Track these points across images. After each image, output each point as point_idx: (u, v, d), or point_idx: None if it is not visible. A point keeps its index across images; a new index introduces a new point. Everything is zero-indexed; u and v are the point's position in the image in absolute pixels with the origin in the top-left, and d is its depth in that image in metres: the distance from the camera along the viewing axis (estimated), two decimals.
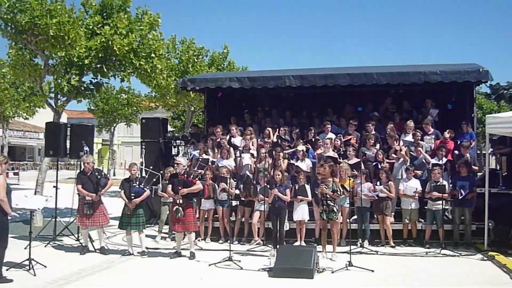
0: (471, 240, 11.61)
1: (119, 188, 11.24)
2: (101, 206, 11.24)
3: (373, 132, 13.37)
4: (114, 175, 40.61)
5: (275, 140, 13.92)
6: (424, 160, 12.42)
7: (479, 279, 9.00)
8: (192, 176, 10.73)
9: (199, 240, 12.10)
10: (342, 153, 12.88)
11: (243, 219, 12.33)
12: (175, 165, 10.87)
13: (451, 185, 11.73)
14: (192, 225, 10.65)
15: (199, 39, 31.28)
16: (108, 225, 11.89)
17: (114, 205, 13.06)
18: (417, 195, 11.75)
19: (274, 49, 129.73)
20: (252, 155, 13.27)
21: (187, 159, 11.94)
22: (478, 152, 14.63)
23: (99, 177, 11.31)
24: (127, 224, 10.89)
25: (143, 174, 13.04)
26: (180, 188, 10.43)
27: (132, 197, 10.82)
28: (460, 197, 11.47)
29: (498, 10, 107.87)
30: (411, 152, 12.64)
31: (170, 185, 10.73)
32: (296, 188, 11.46)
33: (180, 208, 10.42)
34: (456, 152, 12.70)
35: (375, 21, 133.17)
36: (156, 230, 13.36)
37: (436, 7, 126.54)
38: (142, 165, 12.82)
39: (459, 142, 12.78)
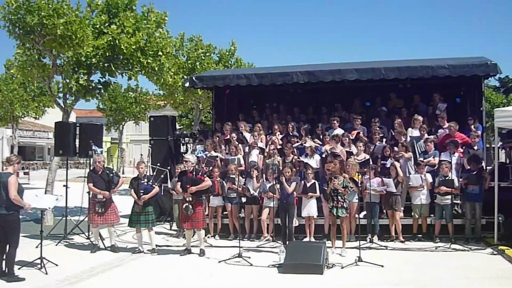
0: (481, 235, 11.58)
1: (129, 187, 11.30)
2: (112, 205, 11.33)
3: (378, 129, 13.34)
4: (123, 173, 40.75)
5: (283, 136, 13.91)
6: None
7: (489, 274, 8.97)
8: (200, 173, 10.76)
9: (208, 237, 12.13)
10: (346, 146, 12.83)
11: (251, 216, 12.36)
12: (184, 162, 10.92)
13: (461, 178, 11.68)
14: (201, 223, 10.69)
15: (204, 35, 31.35)
16: (118, 223, 11.95)
17: (122, 204, 13.12)
18: (425, 187, 11.70)
19: (280, 45, 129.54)
20: (260, 151, 13.29)
21: (196, 156, 11.97)
22: (488, 145, 14.55)
23: (111, 175, 11.38)
24: (137, 221, 10.94)
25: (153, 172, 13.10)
26: (188, 186, 10.48)
27: (141, 194, 10.88)
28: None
29: (506, 2, 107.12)
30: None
31: (179, 183, 10.78)
32: (307, 185, 11.45)
33: (190, 205, 10.47)
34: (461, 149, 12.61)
35: (382, 15, 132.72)
36: (166, 228, 13.45)
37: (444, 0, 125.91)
38: (148, 163, 12.85)
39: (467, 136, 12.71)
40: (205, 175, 10.90)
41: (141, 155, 54.08)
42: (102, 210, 11.08)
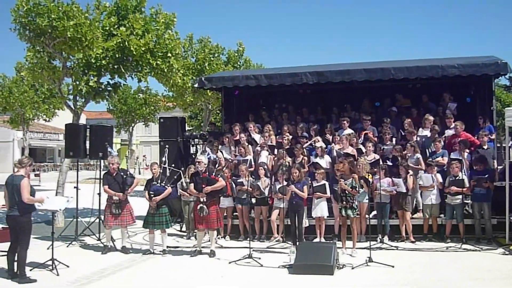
0: (492, 235, 11.49)
1: (144, 189, 11.37)
2: (128, 206, 11.40)
3: (388, 130, 13.30)
4: (139, 173, 41.01)
5: (292, 137, 13.90)
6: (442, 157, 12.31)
7: (501, 274, 8.92)
8: (214, 174, 10.78)
9: (218, 238, 12.14)
10: (357, 148, 12.82)
11: (261, 217, 12.36)
12: (197, 163, 10.94)
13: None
14: (215, 223, 10.72)
15: (212, 36, 31.38)
16: (132, 225, 11.98)
17: (136, 205, 13.16)
18: (436, 187, 11.66)
19: (289, 46, 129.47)
20: (269, 151, 13.29)
21: (208, 157, 11.99)
22: (498, 145, 14.45)
23: (125, 177, 11.44)
24: (152, 223, 10.99)
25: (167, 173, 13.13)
26: (204, 186, 10.50)
27: (152, 195, 10.92)
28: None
29: None
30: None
31: (192, 184, 10.81)
32: (314, 185, 11.46)
33: (205, 206, 10.49)
34: (472, 148, 12.54)
35: (392, 16, 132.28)
36: (177, 229, 13.49)
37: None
38: (165, 164, 12.82)
39: (476, 136, 12.65)
40: (219, 175, 10.92)
41: (144, 156, 54.30)
42: (118, 211, 11.16)
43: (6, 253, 8.97)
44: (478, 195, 11.42)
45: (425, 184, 11.73)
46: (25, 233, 8.80)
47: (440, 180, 11.69)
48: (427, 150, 12.69)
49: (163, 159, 13.11)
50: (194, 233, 11.96)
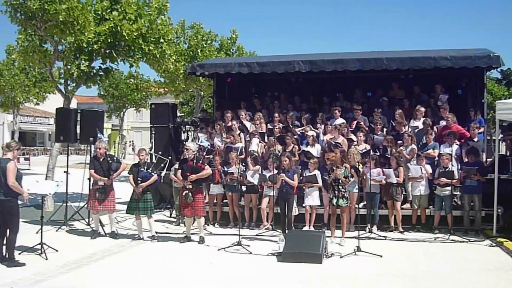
0: (480, 226, 11.59)
1: (128, 173, 11.31)
2: (112, 192, 11.33)
3: (379, 120, 13.32)
4: (124, 158, 40.81)
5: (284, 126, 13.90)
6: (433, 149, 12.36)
7: (487, 265, 8.99)
8: (200, 162, 10.75)
9: (208, 225, 12.16)
10: (348, 138, 12.84)
11: (251, 205, 12.38)
12: (185, 150, 10.93)
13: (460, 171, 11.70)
14: (201, 210, 10.71)
15: (206, 23, 31.14)
16: (119, 210, 11.95)
17: (123, 190, 13.13)
18: (424, 178, 11.70)
19: (282, 34, 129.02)
20: (260, 139, 13.28)
21: (197, 144, 11.94)
22: (488, 138, 14.53)
23: (110, 161, 11.38)
24: (135, 208, 10.96)
25: (153, 160, 13.05)
26: (188, 174, 10.49)
27: (139, 182, 10.89)
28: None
29: None
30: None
31: (179, 171, 10.80)
32: (306, 174, 11.48)
33: (190, 193, 10.49)
34: (462, 140, 12.60)
35: (386, 5, 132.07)
36: (166, 215, 13.48)
37: None
38: (151, 150, 12.78)
39: (467, 128, 12.69)
40: (205, 163, 10.89)
41: (131, 141, 54.07)
42: (103, 196, 11.10)
43: None
44: (469, 187, 11.49)
45: (414, 175, 11.78)
46: (12, 217, 8.76)
47: (430, 171, 11.75)
48: (417, 142, 12.70)
49: (150, 145, 13.07)
50: (184, 220, 11.96)
